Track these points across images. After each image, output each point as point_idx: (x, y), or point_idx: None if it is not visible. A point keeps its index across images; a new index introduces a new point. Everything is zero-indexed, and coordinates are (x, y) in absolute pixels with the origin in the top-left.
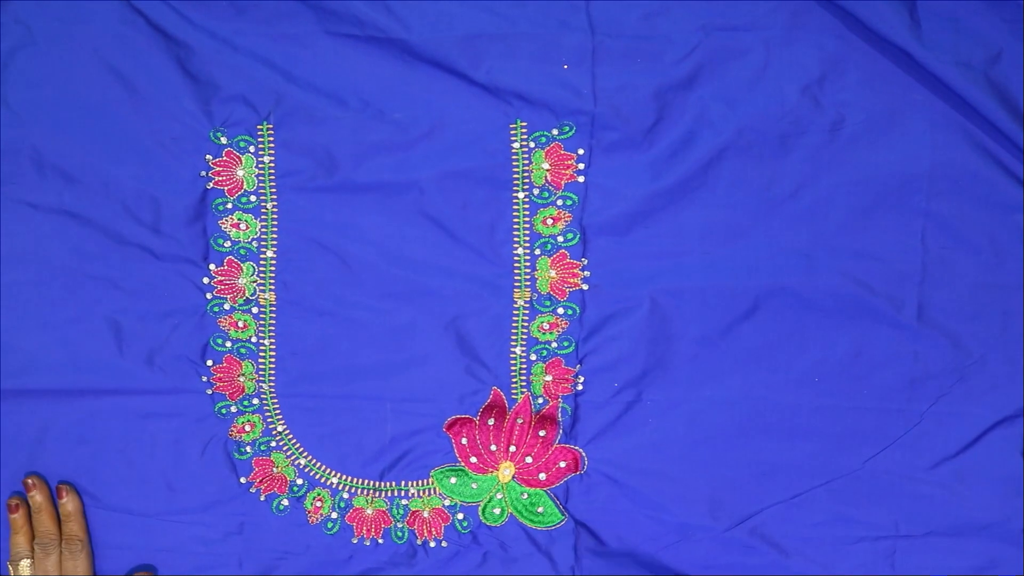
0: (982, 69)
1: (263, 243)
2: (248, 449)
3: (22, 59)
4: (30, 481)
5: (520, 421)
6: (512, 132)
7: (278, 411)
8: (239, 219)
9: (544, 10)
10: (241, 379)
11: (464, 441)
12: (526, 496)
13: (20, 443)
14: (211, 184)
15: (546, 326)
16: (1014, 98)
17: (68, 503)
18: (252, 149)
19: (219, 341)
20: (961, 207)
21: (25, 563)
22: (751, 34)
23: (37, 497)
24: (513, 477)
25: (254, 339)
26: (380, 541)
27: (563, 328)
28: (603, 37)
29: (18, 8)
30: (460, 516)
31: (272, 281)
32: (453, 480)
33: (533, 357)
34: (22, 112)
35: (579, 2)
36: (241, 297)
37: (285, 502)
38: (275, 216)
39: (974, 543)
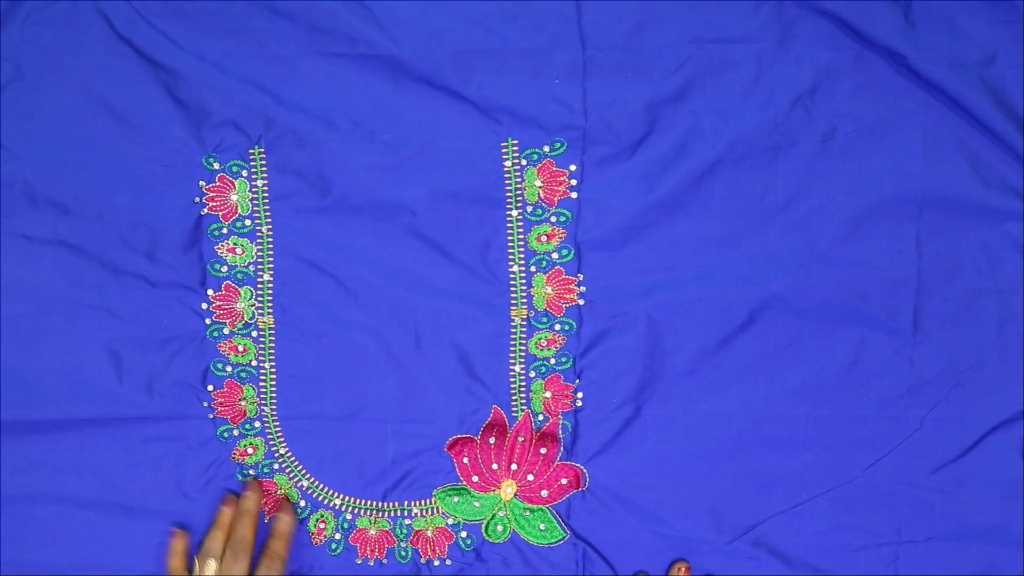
0: (977, 70)
1: (260, 267)
2: (251, 472)
3: (12, 94)
4: (251, 483)
5: (521, 439)
6: (504, 150)
7: (280, 434)
8: (235, 243)
9: (535, 25)
10: (242, 403)
11: (466, 460)
12: (528, 513)
13: (23, 473)
14: (205, 210)
15: (544, 343)
16: (1010, 99)
17: (283, 522)
18: (245, 173)
19: (219, 366)
20: (954, 214)
21: (212, 563)
22: (743, 46)
23: (249, 503)
24: (515, 495)
25: (254, 363)
26: (384, 561)
27: (561, 344)
28: (594, 51)
29: (6, 43)
30: (463, 534)
31: (270, 304)
32: (456, 499)
33: (532, 374)
34: (14, 146)
35: (570, 16)
36: (240, 321)
37: None
38: (270, 239)
39: (976, 547)
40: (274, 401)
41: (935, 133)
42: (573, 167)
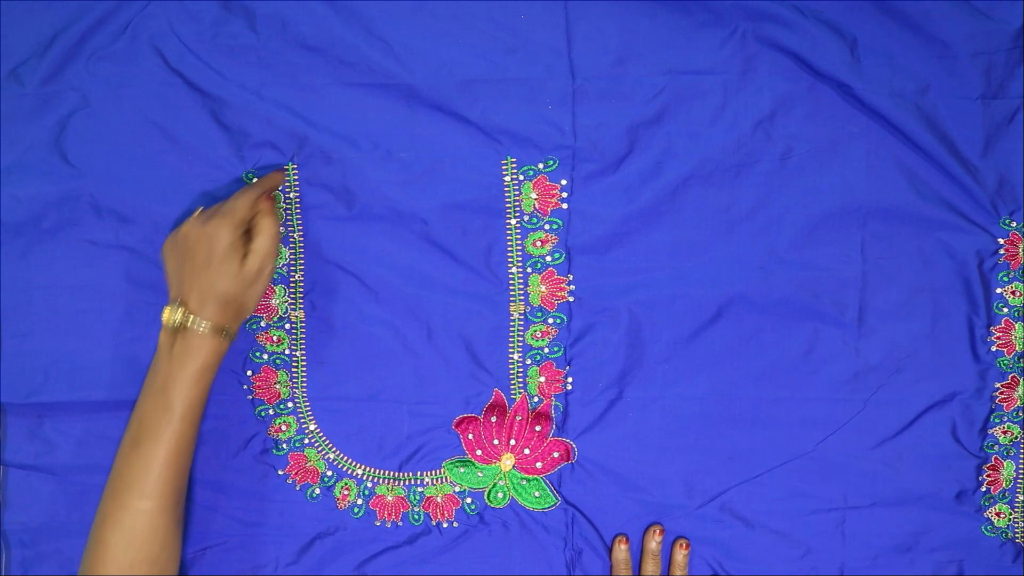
0: (913, 99)
1: (292, 268)
2: (284, 446)
3: (78, 120)
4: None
5: (519, 418)
6: (504, 167)
7: (310, 413)
8: None
9: (531, 57)
10: (277, 386)
11: (471, 436)
12: (525, 482)
13: (87, 446)
14: None
15: (538, 334)
16: (941, 124)
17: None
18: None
19: (257, 354)
20: (894, 223)
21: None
22: (711, 77)
23: (267, 182)
24: (513, 466)
25: (287, 351)
26: (400, 523)
27: (553, 335)
28: (582, 80)
29: (73, 76)
30: (468, 500)
31: (301, 301)
32: (462, 470)
33: (528, 361)
34: (81, 165)
35: (562, 49)
36: (275, 315)
37: (317, 491)
38: (302, 244)
39: (912, 511)
40: (305, 385)
41: (877, 153)
42: (564, 181)
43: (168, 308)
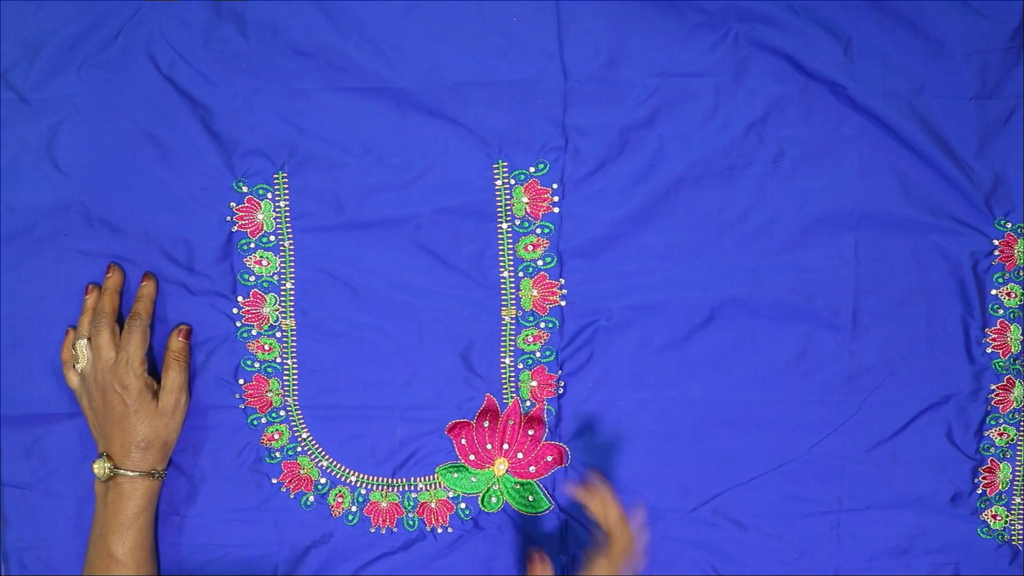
0: (907, 99)
1: (283, 276)
2: (277, 454)
3: (69, 128)
4: (111, 265)
5: (511, 422)
6: (495, 171)
7: (302, 421)
8: (261, 256)
9: (523, 59)
10: (269, 395)
11: (464, 441)
12: (519, 487)
13: (78, 458)
14: (235, 227)
15: (530, 338)
16: (935, 125)
17: (145, 287)
18: (270, 195)
19: (248, 363)
20: (887, 225)
21: (81, 342)
22: (702, 80)
23: (111, 280)
24: (507, 471)
25: (279, 360)
26: (394, 529)
27: (545, 340)
28: (574, 83)
29: (64, 85)
30: (463, 505)
31: (292, 309)
32: (455, 475)
33: (520, 366)
34: (71, 173)
35: (554, 51)
36: (266, 324)
37: (311, 499)
38: (292, 253)
39: (907, 514)
40: (296, 393)
41: (870, 155)
42: (555, 185)
43: (97, 462)
